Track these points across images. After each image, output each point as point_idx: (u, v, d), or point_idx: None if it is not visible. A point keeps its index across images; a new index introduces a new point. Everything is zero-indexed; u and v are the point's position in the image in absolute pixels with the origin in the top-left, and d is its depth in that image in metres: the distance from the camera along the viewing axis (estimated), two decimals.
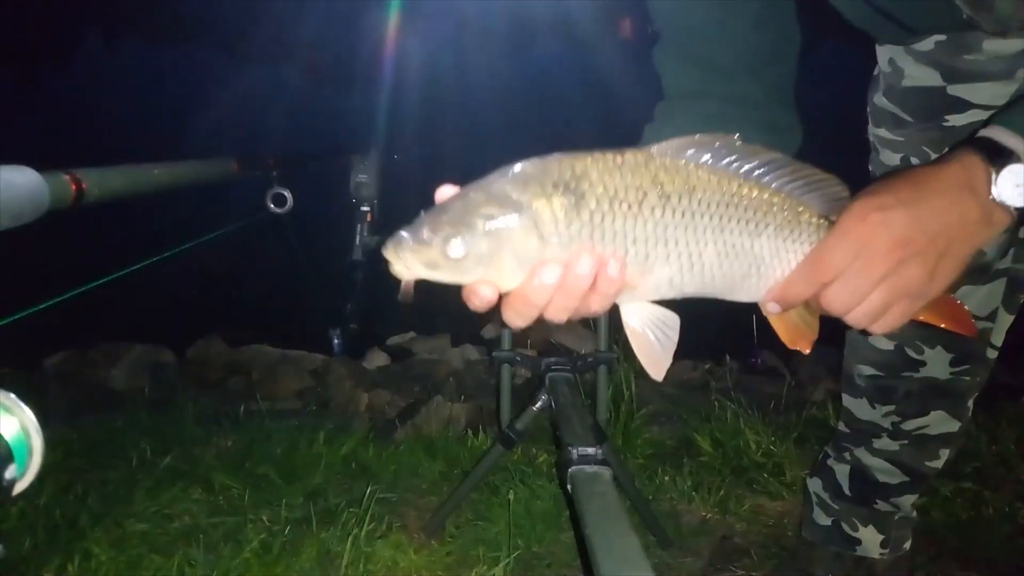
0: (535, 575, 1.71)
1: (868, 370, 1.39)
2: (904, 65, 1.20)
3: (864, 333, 0.81)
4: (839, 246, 0.74)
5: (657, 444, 2.23)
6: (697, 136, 0.75)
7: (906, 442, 1.40)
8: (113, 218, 2.40)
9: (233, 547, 1.70)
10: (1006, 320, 1.30)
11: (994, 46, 1.09)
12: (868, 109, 1.30)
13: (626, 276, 0.73)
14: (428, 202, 0.74)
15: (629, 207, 0.73)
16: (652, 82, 1.09)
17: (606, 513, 1.00)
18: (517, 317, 0.74)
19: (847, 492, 1.50)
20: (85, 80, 10.18)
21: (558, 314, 0.74)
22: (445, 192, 0.74)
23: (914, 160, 1.23)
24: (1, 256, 1.42)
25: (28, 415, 0.61)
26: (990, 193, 0.75)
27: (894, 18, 1.08)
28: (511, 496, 1.88)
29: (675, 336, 0.78)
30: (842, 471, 1.50)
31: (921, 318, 0.80)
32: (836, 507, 1.52)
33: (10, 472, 0.59)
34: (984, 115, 1.13)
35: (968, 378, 1.34)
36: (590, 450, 1.21)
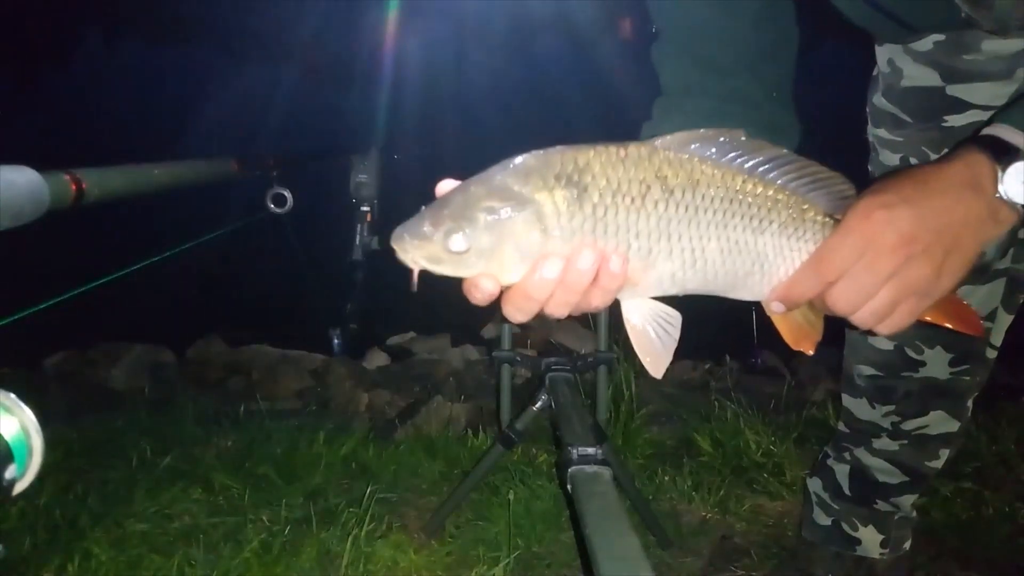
0: (535, 575, 1.71)
1: (868, 370, 1.39)
2: (903, 65, 1.20)
3: (870, 333, 0.80)
4: (844, 244, 0.74)
5: (657, 444, 2.23)
6: (702, 130, 0.75)
7: (906, 442, 1.40)
8: (113, 218, 2.40)
9: (233, 547, 1.70)
10: (1005, 320, 1.30)
11: (993, 46, 1.09)
12: (867, 109, 1.30)
13: (628, 271, 0.73)
14: (428, 202, 0.74)
15: (632, 201, 0.72)
16: (652, 81, 1.09)
17: (606, 513, 1.00)
18: (518, 312, 0.73)
19: (847, 492, 1.50)
20: (85, 80, 10.17)
21: (559, 309, 0.73)
22: (445, 186, 0.74)
23: (913, 160, 1.23)
24: (1, 256, 1.42)
25: (28, 415, 0.61)
26: (996, 191, 0.74)
27: (894, 16, 1.08)
28: (511, 496, 1.88)
29: (676, 333, 0.77)
30: (842, 471, 1.50)
31: (927, 318, 0.79)
32: (836, 507, 1.52)
33: (10, 472, 0.59)
34: (983, 115, 1.13)
35: (968, 378, 1.34)
36: (590, 450, 1.21)
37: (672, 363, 0.77)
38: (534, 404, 1.66)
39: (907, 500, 1.47)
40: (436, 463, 2.12)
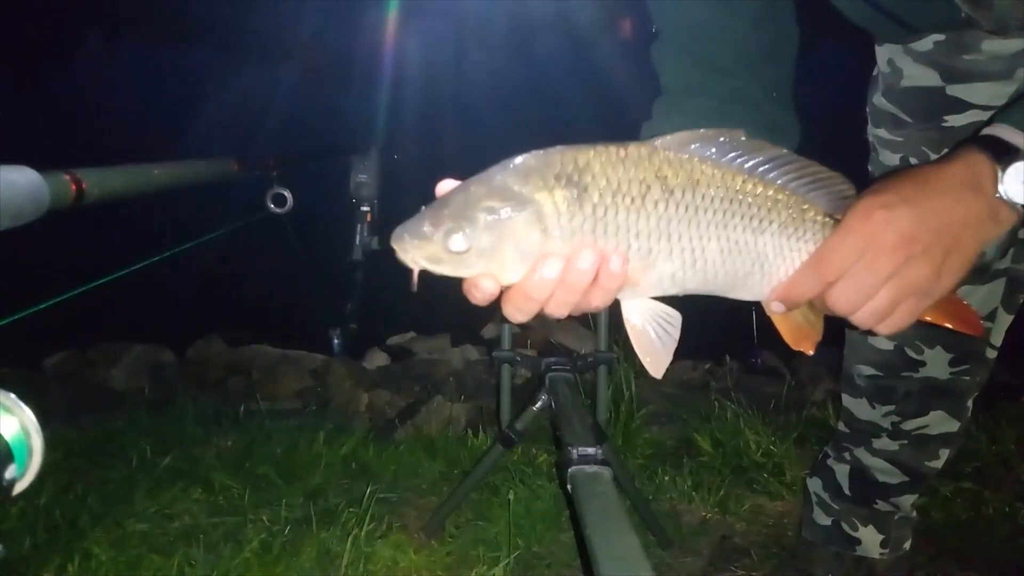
0: (535, 575, 1.71)
1: (868, 370, 1.39)
2: (903, 65, 1.20)
3: (870, 333, 0.80)
4: (844, 244, 0.74)
5: (657, 444, 2.23)
6: (702, 130, 0.75)
7: (906, 442, 1.40)
8: (113, 218, 2.40)
9: (233, 547, 1.70)
10: (1005, 320, 1.30)
11: (993, 46, 1.09)
12: (867, 109, 1.30)
13: (628, 271, 0.73)
14: (428, 202, 0.74)
15: (632, 201, 0.72)
16: (652, 81, 1.09)
17: (606, 513, 1.00)
18: (518, 312, 0.73)
19: (847, 492, 1.50)
20: (85, 80, 10.17)
21: (559, 309, 0.73)
22: (445, 186, 0.74)
23: (913, 161, 1.23)
24: (1, 256, 1.42)
25: (28, 415, 0.61)
26: (996, 191, 0.74)
27: (893, 16, 1.08)
28: (511, 496, 1.88)
29: (676, 333, 0.77)
30: (842, 471, 1.50)
31: (927, 318, 0.79)
32: (836, 507, 1.52)
33: (10, 472, 0.59)
34: (983, 115, 1.13)
35: (968, 378, 1.34)
36: (590, 450, 1.21)
37: (672, 363, 0.77)
38: (534, 404, 1.66)
39: (907, 500, 1.47)
40: (436, 463, 2.12)
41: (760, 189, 0.76)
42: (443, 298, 0.83)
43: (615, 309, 0.78)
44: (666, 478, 2.03)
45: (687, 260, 0.75)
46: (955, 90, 1.15)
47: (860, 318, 0.76)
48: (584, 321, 2.86)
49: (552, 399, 1.60)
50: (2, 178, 0.87)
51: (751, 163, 0.76)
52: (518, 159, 0.72)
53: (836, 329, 0.84)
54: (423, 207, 0.72)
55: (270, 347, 3.11)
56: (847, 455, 1.49)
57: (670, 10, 1.07)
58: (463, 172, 0.75)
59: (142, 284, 1.60)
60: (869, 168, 1.33)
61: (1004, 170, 0.74)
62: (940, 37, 1.13)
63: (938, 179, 0.75)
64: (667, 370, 0.77)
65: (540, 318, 0.75)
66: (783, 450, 2.12)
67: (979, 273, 1.23)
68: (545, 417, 1.75)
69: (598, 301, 0.74)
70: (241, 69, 10.52)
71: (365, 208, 2.64)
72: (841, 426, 1.51)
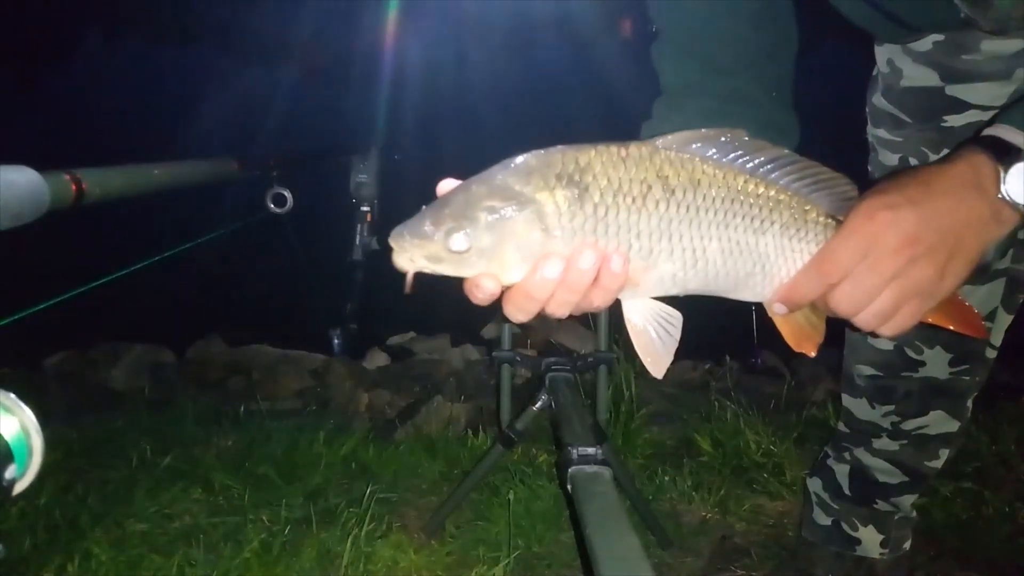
0: (535, 575, 1.71)
1: (868, 370, 1.39)
2: (902, 65, 1.20)
3: (871, 335, 0.80)
4: (847, 245, 0.74)
5: (657, 444, 2.23)
6: (703, 130, 0.75)
7: (906, 442, 1.40)
8: (113, 218, 2.40)
9: (233, 547, 1.70)
10: (1005, 320, 1.30)
11: (992, 46, 1.09)
12: (867, 109, 1.30)
13: (629, 271, 0.73)
14: (429, 202, 0.74)
15: (633, 200, 0.72)
16: (652, 81, 1.09)
17: (606, 513, 1.00)
18: (519, 311, 0.73)
19: (847, 492, 1.50)
20: (85, 80, 10.17)
21: (560, 308, 0.73)
22: (446, 185, 0.74)
23: (912, 161, 1.23)
24: (1, 256, 1.42)
25: (28, 415, 0.61)
26: (998, 191, 0.74)
27: (893, 16, 1.08)
28: (511, 496, 1.88)
29: (677, 334, 0.77)
30: (842, 471, 1.50)
31: (930, 320, 0.79)
32: (836, 507, 1.52)
33: (10, 472, 0.59)
34: (982, 115, 1.13)
35: (968, 378, 1.34)
36: (590, 450, 1.21)
37: (672, 363, 0.77)
38: (534, 404, 1.66)
39: (907, 500, 1.47)
40: (436, 463, 2.12)
41: (762, 189, 0.76)
42: (443, 298, 0.83)
43: (616, 309, 0.78)
44: (666, 478, 2.03)
45: (688, 260, 0.75)
46: (954, 90, 1.15)
47: (862, 320, 0.75)
48: (584, 321, 2.86)
49: (552, 399, 1.60)
50: (2, 178, 0.87)
51: (753, 163, 0.76)
52: (519, 159, 0.72)
53: (836, 329, 0.84)
54: (424, 207, 0.72)
55: (270, 347, 3.11)
56: (847, 455, 1.49)
57: (670, 10, 1.07)
58: (463, 172, 0.75)
59: (142, 284, 1.60)
60: (868, 168, 1.33)
61: (1006, 171, 0.74)
62: (939, 37, 1.13)
63: (941, 180, 0.75)
64: (667, 370, 0.77)
65: (541, 318, 0.75)
66: (783, 450, 2.11)
67: (979, 273, 1.23)
68: (545, 417, 1.75)
69: (599, 301, 0.74)
70: (241, 69, 10.52)
71: (365, 208, 2.64)
72: (841, 426, 1.51)
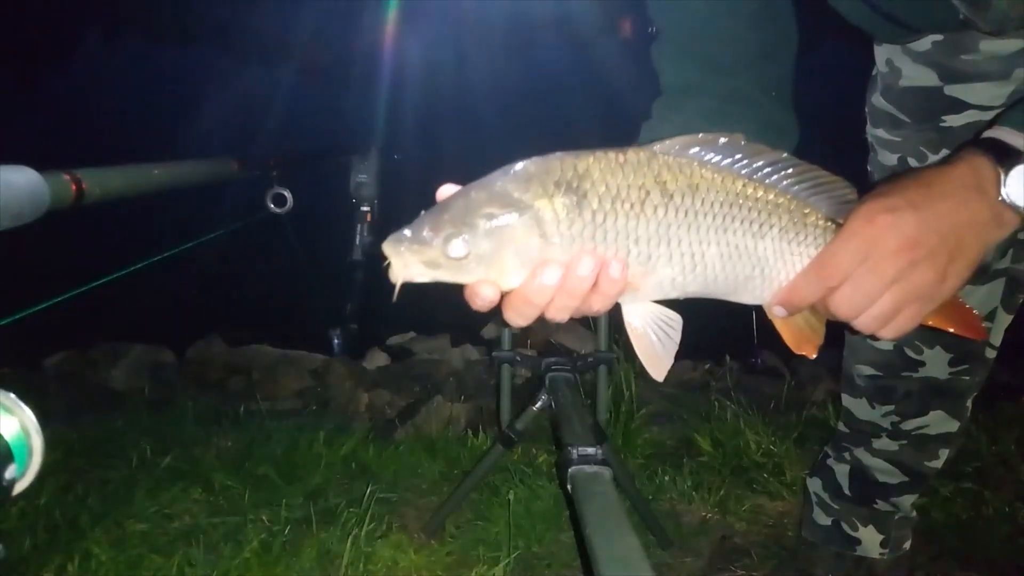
0: (535, 575, 1.71)
1: (868, 370, 1.39)
2: (901, 65, 1.20)
3: (871, 337, 0.80)
4: (847, 248, 0.74)
5: (657, 444, 2.23)
6: (701, 134, 0.75)
7: (906, 442, 1.40)
8: (113, 218, 2.40)
9: (233, 547, 1.70)
10: (1005, 320, 1.30)
11: (991, 46, 1.09)
12: (866, 109, 1.31)
13: (628, 276, 0.73)
14: (428, 202, 0.74)
15: (631, 206, 0.72)
16: (652, 81, 1.09)
17: (606, 513, 1.00)
18: (518, 316, 0.74)
19: (847, 492, 1.50)
20: (85, 80, 10.18)
21: (559, 313, 0.74)
22: (447, 191, 0.74)
23: (911, 161, 1.23)
24: (1, 256, 1.42)
25: (28, 415, 0.61)
26: (999, 194, 0.74)
27: (892, 17, 1.08)
28: (511, 496, 1.88)
29: (677, 336, 0.77)
30: (842, 471, 1.50)
31: (930, 322, 0.79)
32: (836, 507, 1.52)
33: (10, 472, 0.59)
34: (981, 115, 1.13)
35: (967, 378, 1.34)
36: (590, 450, 1.21)
37: (672, 363, 0.77)
38: (534, 404, 1.66)
39: (907, 500, 1.47)
40: (436, 463, 2.12)
41: (760, 193, 0.76)
42: (443, 298, 0.83)
43: (616, 309, 0.78)
44: (666, 478, 2.03)
45: (687, 265, 0.75)
46: (953, 90, 1.15)
47: (862, 323, 0.75)
48: (584, 321, 2.86)
49: (552, 399, 1.61)
50: (2, 178, 0.87)
51: (751, 167, 0.76)
52: (518, 165, 0.72)
53: (836, 330, 0.84)
54: (422, 212, 0.72)
55: (270, 347, 3.11)
56: (847, 455, 1.49)
57: (670, 10, 1.07)
58: (463, 172, 0.75)
59: (142, 284, 1.60)
60: (868, 168, 1.33)
61: (1007, 173, 0.74)
62: (938, 37, 1.13)
63: (941, 182, 0.75)
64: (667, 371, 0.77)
65: (540, 320, 0.75)
66: (783, 450, 2.12)
67: (978, 274, 1.23)
68: (545, 417, 1.75)
69: (598, 306, 0.74)
70: (241, 69, 10.54)
71: (365, 208, 2.65)
72: (841, 426, 1.51)
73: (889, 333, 0.76)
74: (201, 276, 3.39)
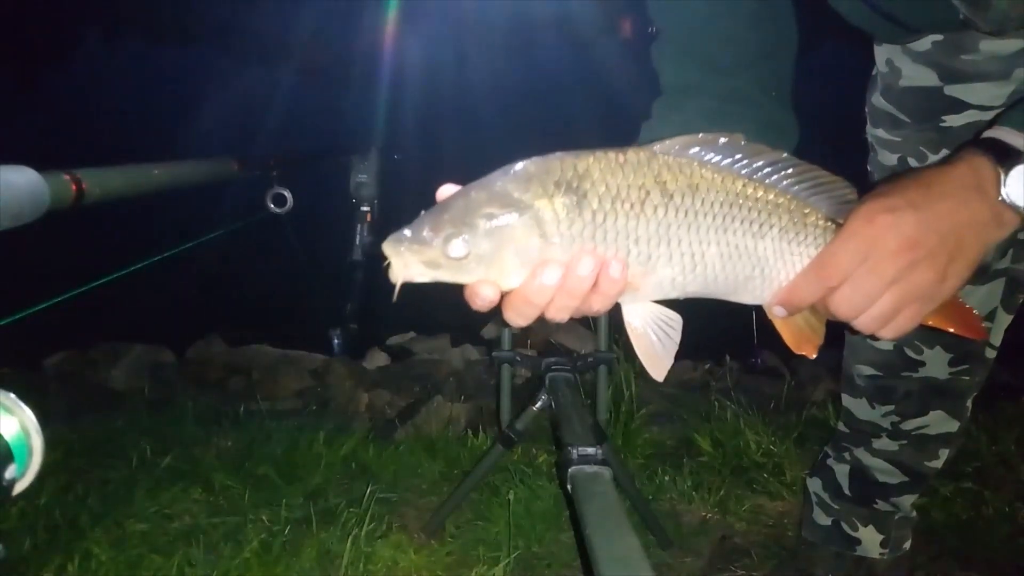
0: (535, 575, 1.71)
1: (868, 370, 1.39)
2: (901, 65, 1.20)
3: (871, 338, 0.80)
4: (847, 248, 0.74)
5: (657, 444, 2.23)
6: (701, 134, 0.75)
7: (906, 442, 1.40)
8: (113, 218, 2.40)
9: (233, 547, 1.70)
10: (1004, 320, 1.30)
11: (991, 46, 1.09)
12: (866, 109, 1.30)
13: (628, 276, 0.73)
14: (428, 202, 0.74)
15: (631, 206, 0.72)
16: (652, 81, 1.09)
17: (606, 513, 1.00)
18: (518, 316, 0.74)
19: (847, 492, 1.50)
20: (85, 80, 10.18)
21: (559, 313, 0.74)
22: (447, 191, 0.74)
23: (911, 161, 1.23)
24: (1, 256, 1.42)
25: (28, 415, 0.61)
26: (999, 194, 0.74)
27: (892, 17, 1.08)
28: (511, 496, 1.88)
29: (677, 336, 0.77)
30: (842, 471, 1.50)
31: (930, 322, 0.78)
32: (836, 507, 1.52)
33: (10, 472, 0.59)
34: (981, 115, 1.13)
35: (967, 378, 1.34)
36: (590, 450, 1.21)
37: (672, 363, 0.77)
38: (534, 404, 1.66)
39: (907, 500, 1.47)
40: (436, 463, 2.12)
41: (760, 193, 0.76)
42: (443, 298, 0.83)
43: (616, 309, 0.78)
44: (666, 478, 2.03)
45: (687, 265, 0.75)
46: (953, 90, 1.15)
47: (862, 323, 0.75)
48: (584, 321, 2.86)
49: (552, 399, 1.61)
50: (2, 178, 0.87)
51: (751, 167, 0.76)
52: (518, 165, 0.72)
53: (836, 329, 0.84)
54: (422, 212, 0.72)
55: (270, 347, 3.11)
56: (847, 455, 1.49)
57: (670, 10, 1.07)
58: (463, 172, 0.75)
59: (142, 284, 1.60)
60: (868, 168, 1.33)
61: (1007, 173, 0.74)
62: (938, 37, 1.13)
63: (941, 182, 0.75)
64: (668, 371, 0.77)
65: (540, 320, 0.75)
66: (783, 450, 2.12)
67: (978, 274, 1.23)
68: (545, 417, 1.74)
69: (598, 306, 0.74)
70: (241, 69, 10.54)
71: (365, 208, 2.65)
72: (841, 426, 1.51)
73: (889, 333, 0.76)
74: (201, 276, 3.39)
